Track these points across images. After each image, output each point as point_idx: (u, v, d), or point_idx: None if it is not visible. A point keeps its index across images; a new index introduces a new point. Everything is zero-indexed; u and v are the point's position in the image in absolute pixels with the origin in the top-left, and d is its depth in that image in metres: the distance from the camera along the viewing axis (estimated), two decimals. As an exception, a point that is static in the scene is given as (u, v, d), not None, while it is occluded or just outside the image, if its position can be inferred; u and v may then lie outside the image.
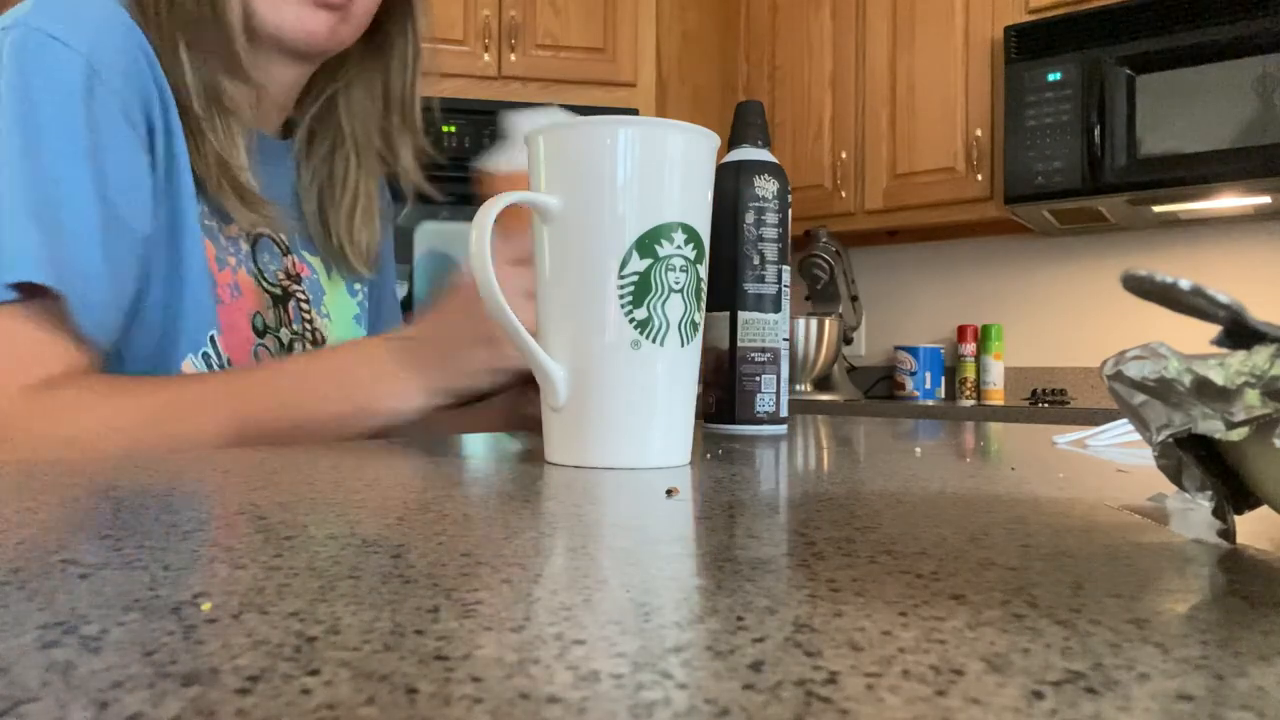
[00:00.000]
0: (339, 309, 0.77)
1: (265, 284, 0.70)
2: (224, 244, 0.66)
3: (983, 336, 2.43)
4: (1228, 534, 0.24)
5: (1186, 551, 0.23)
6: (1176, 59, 1.94)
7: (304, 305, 0.73)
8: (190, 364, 0.62)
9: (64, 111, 0.54)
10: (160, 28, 0.60)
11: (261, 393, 0.57)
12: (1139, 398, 0.22)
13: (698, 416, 0.67)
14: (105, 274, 0.55)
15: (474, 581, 0.19)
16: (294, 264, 0.73)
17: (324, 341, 0.74)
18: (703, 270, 0.43)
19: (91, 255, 0.54)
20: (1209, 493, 0.24)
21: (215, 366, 0.64)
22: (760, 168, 0.66)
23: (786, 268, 0.68)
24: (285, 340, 0.70)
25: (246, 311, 0.67)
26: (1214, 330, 0.21)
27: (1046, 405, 2.09)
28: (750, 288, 0.66)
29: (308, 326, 0.73)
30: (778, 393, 0.67)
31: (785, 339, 0.68)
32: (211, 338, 0.63)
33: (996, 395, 2.40)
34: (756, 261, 0.66)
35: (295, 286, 0.72)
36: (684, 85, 2.38)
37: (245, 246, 0.68)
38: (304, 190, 0.75)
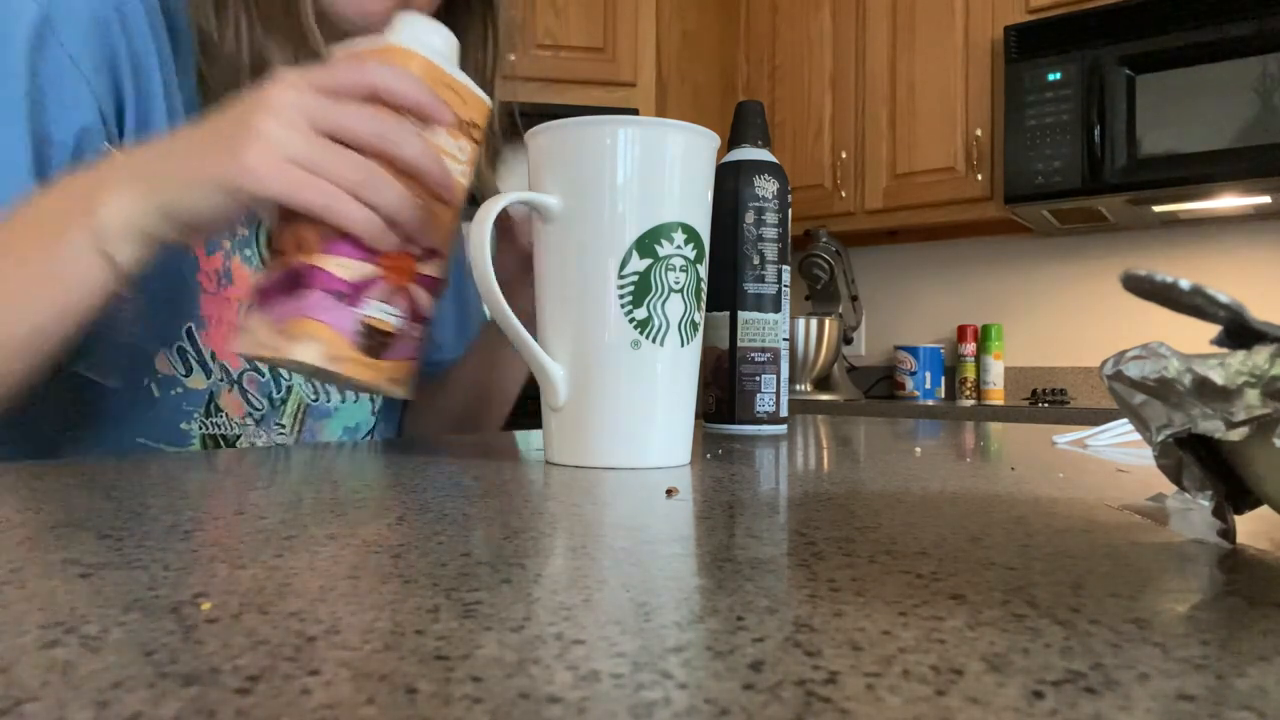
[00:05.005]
0: None
1: None
2: None
3: (983, 336, 2.43)
4: (1228, 534, 0.24)
5: (1186, 551, 0.23)
6: (1176, 59, 1.94)
7: None
8: (165, 360, 0.59)
9: (6, 66, 0.52)
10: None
11: None
12: (1139, 398, 0.22)
13: (698, 416, 0.67)
14: None
15: (474, 581, 0.19)
16: None
17: None
18: (703, 270, 0.43)
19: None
20: (1209, 493, 0.24)
21: (195, 364, 0.60)
22: (760, 168, 0.66)
23: (786, 268, 0.68)
24: None
25: (237, 301, 0.62)
26: (1214, 330, 0.21)
27: (1046, 405, 2.09)
28: (750, 288, 0.66)
29: None
30: (778, 393, 0.67)
31: (785, 339, 0.68)
32: (189, 330, 0.59)
33: (996, 395, 2.39)
34: (756, 261, 0.66)
35: None
36: (684, 85, 2.38)
37: (242, 230, 0.63)
38: None
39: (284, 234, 0.45)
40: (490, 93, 0.68)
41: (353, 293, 0.43)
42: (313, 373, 0.44)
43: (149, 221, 0.45)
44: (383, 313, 0.44)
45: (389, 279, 0.44)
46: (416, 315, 0.46)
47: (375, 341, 0.44)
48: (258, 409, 0.64)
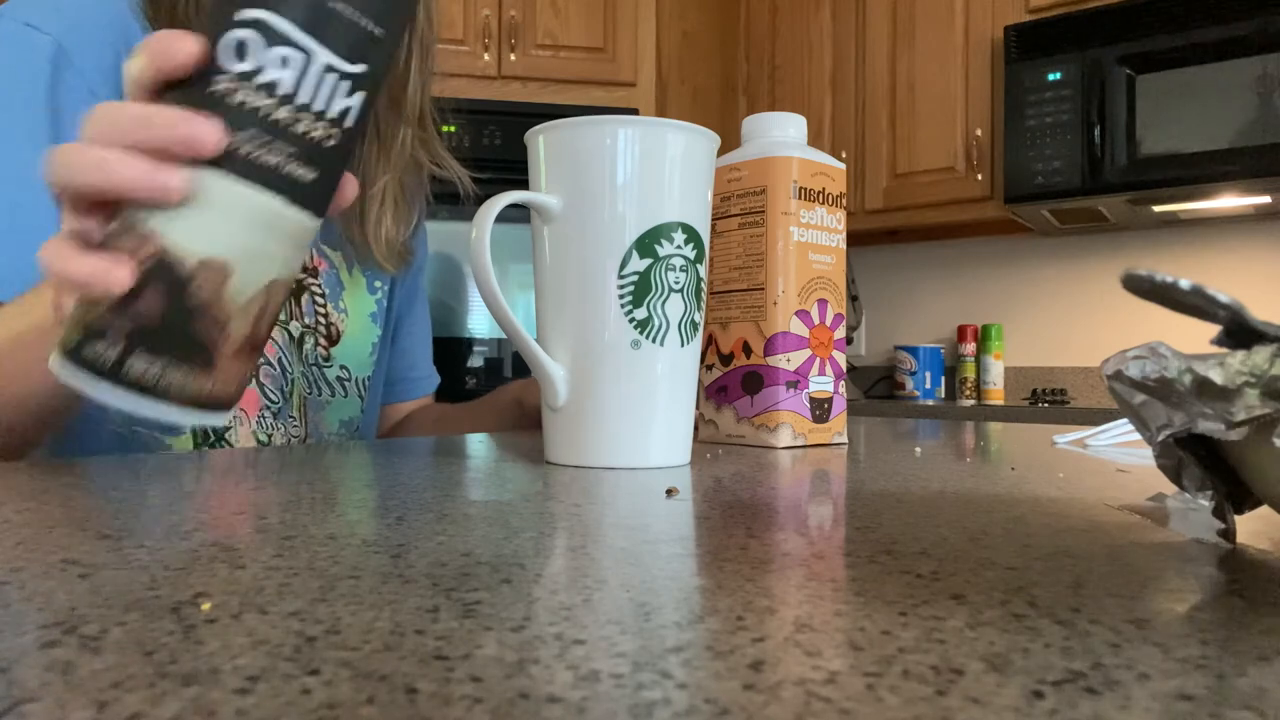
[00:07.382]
0: (356, 305, 0.76)
1: None
2: None
3: (983, 336, 2.43)
4: (1228, 534, 0.24)
5: (1186, 551, 0.23)
6: (1176, 59, 1.94)
7: (319, 299, 0.72)
8: None
9: (27, 96, 0.54)
10: (169, 23, 0.61)
11: None
12: (1139, 398, 0.22)
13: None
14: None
15: (474, 581, 0.19)
16: (311, 257, 0.72)
17: (339, 337, 0.75)
18: (703, 270, 0.43)
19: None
20: (1209, 493, 0.24)
21: None
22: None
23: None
24: (295, 333, 0.69)
25: None
26: (1214, 330, 0.21)
27: (1046, 405, 2.09)
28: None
29: (321, 320, 0.72)
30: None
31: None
32: None
33: (996, 395, 2.39)
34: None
35: (310, 280, 0.72)
36: (684, 85, 2.38)
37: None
38: None
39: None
40: (426, 109, 0.74)
41: (799, 378, 0.54)
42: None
43: None
44: (820, 384, 0.55)
45: (817, 353, 0.55)
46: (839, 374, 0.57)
47: (822, 410, 0.56)
48: (274, 403, 0.66)
